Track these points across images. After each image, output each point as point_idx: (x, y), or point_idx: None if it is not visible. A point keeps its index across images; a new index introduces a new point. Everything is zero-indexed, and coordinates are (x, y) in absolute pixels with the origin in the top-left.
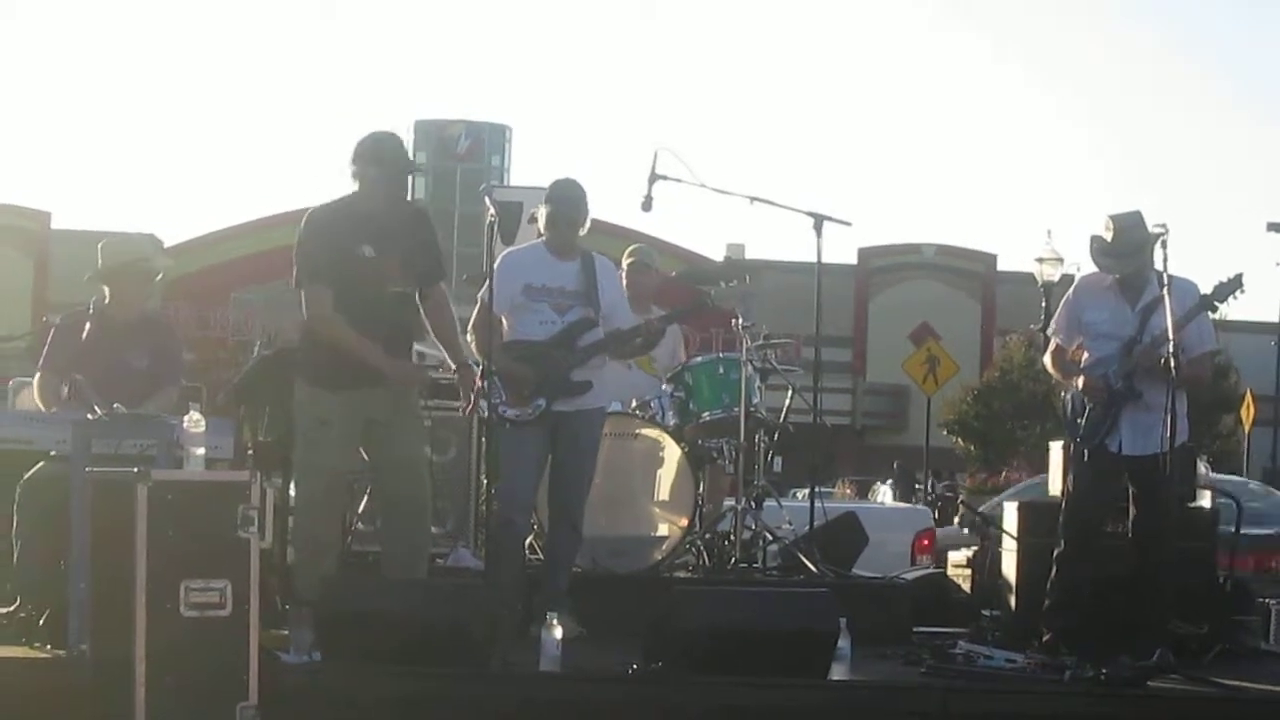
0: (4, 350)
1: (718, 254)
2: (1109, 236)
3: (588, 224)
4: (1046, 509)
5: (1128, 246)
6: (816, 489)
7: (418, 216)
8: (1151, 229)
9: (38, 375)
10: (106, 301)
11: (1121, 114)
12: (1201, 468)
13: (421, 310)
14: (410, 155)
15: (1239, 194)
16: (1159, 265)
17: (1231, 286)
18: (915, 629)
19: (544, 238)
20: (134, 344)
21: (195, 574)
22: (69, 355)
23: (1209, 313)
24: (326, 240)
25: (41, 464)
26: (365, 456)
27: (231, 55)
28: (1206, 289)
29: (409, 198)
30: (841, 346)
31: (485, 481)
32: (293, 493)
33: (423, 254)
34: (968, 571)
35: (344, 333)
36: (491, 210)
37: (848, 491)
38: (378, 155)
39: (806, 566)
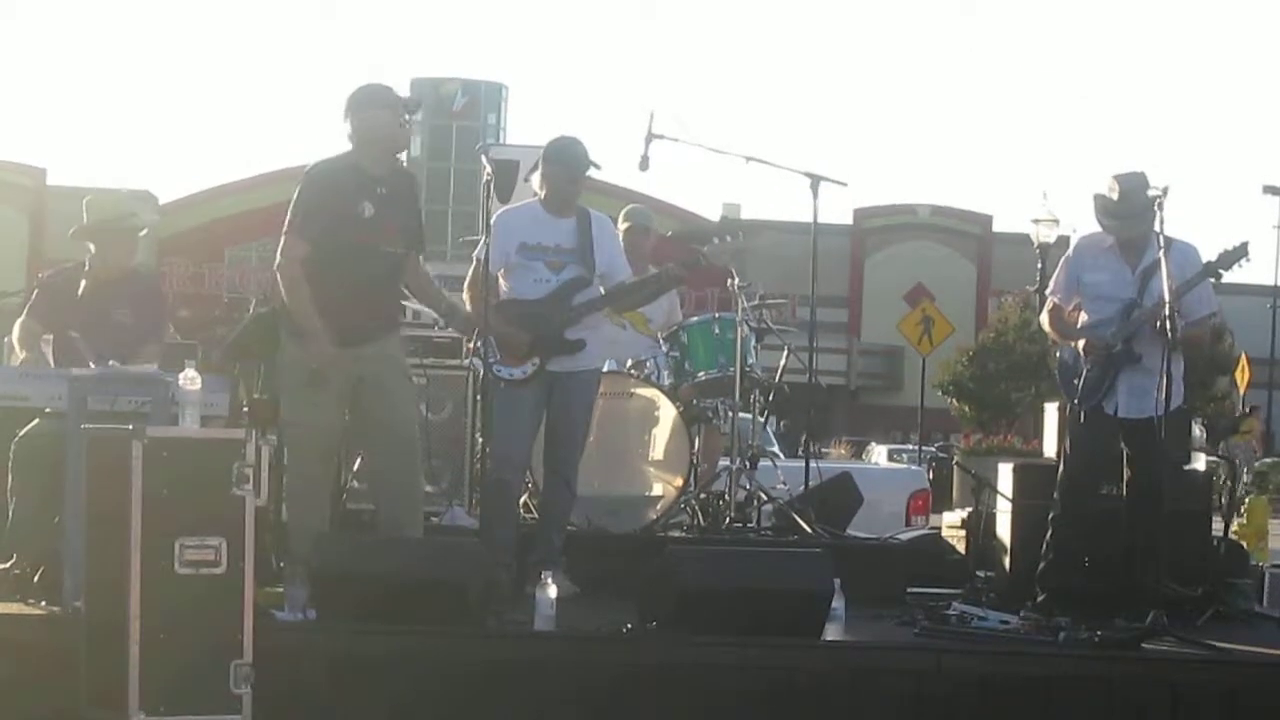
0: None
1: (714, 213)
2: (1114, 197)
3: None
4: (1041, 470)
5: (1134, 208)
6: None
7: (412, 183)
8: (1150, 190)
9: (20, 321)
10: (93, 257)
11: (1117, 76)
12: (1195, 430)
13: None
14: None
15: (1235, 156)
16: (1157, 227)
17: (1236, 255)
18: (909, 590)
19: (540, 196)
20: (119, 299)
21: (190, 531)
22: (55, 308)
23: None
24: (328, 195)
25: (37, 421)
26: (348, 416)
27: (228, 12)
28: (1206, 252)
29: (411, 148)
30: (837, 307)
31: (480, 441)
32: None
33: (414, 222)
34: (962, 533)
35: (301, 294)
36: (488, 169)
37: (842, 451)
38: (376, 99)
39: (801, 527)
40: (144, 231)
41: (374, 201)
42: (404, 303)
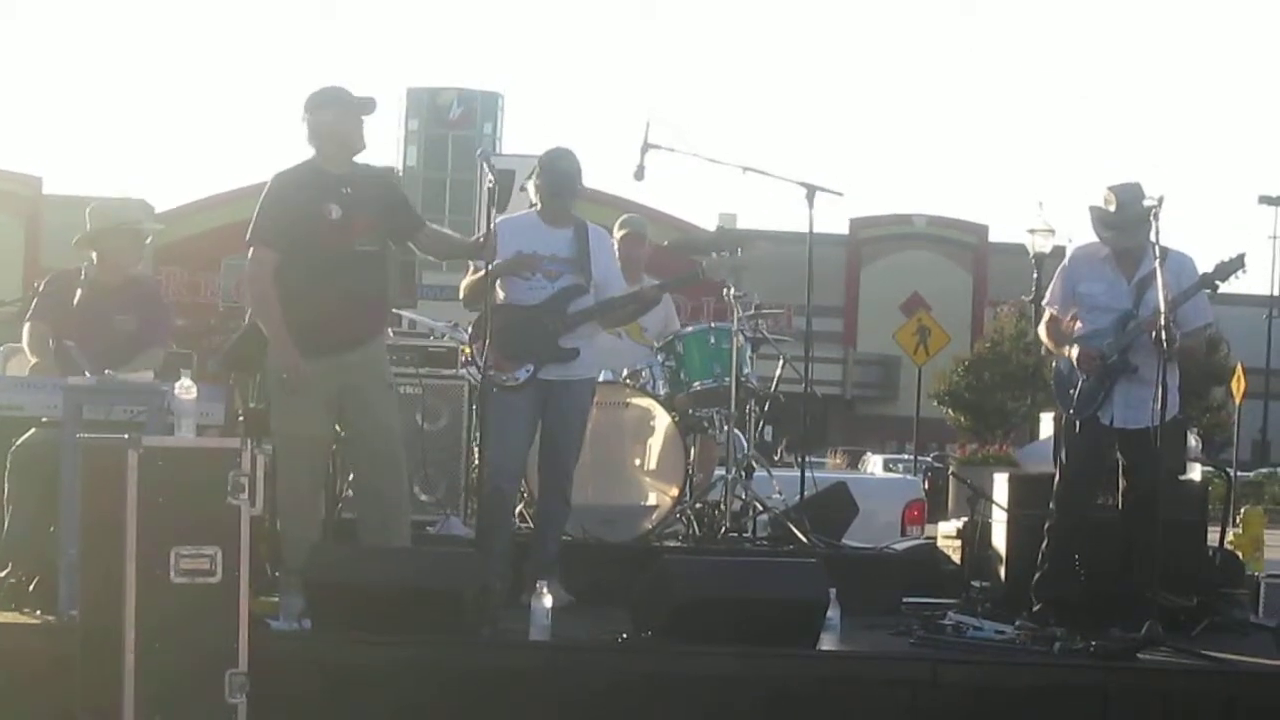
0: None
1: (709, 223)
2: (1111, 208)
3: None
4: (1036, 480)
5: (1130, 218)
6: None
7: (385, 178)
8: (1145, 201)
9: (27, 325)
10: (95, 264)
11: (1113, 86)
12: (1191, 440)
13: (422, 249)
14: (402, 122)
15: (1232, 167)
16: (1152, 237)
17: (1233, 266)
18: (905, 600)
19: (536, 206)
20: (121, 306)
21: (185, 540)
22: (58, 312)
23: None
24: (290, 202)
25: (33, 430)
26: (338, 426)
27: (224, 22)
28: (1202, 263)
29: (407, 157)
30: (832, 317)
31: (475, 450)
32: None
33: (394, 214)
34: (958, 542)
35: (269, 306)
36: (490, 176)
37: (838, 461)
38: (329, 98)
39: (796, 536)
40: (149, 239)
41: (340, 202)
42: (400, 312)
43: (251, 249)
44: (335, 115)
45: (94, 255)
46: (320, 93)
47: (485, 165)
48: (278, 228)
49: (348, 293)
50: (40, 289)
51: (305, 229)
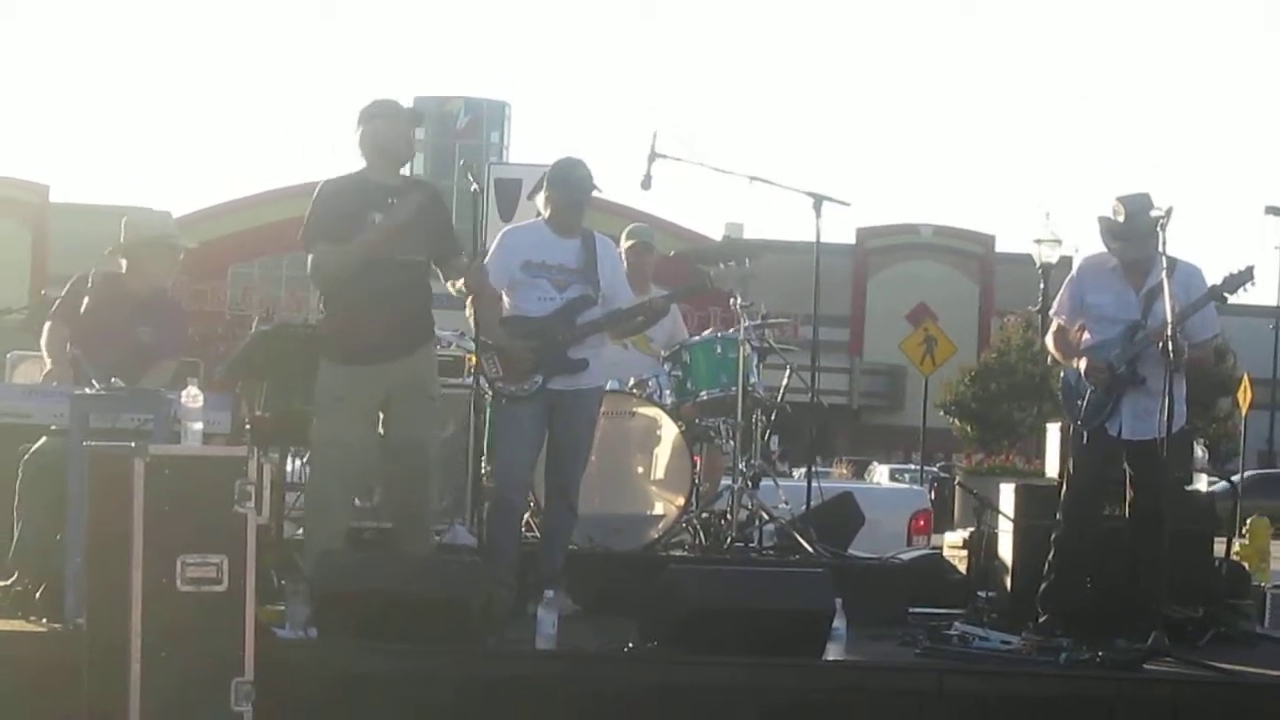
0: (3, 323)
1: (716, 233)
2: (1119, 219)
3: None
4: (1043, 491)
5: (1139, 229)
6: (813, 469)
7: (431, 195)
8: (1153, 212)
9: (48, 324)
10: (124, 273)
11: (1120, 95)
12: (1198, 451)
13: (445, 276)
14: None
15: (1237, 177)
16: (1160, 248)
17: (1242, 279)
18: (911, 610)
19: (544, 216)
20: (143, 319)
21: (192, 549)
22: (78, 315)
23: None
24: (335, 206)
25: (44, 439)
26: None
27: (232, 30)
28: (1209, 272)
29: (409, 170)
30: (839, 326)
31: (483, 459)
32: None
33: (436, 233)
34: (964, 553)
35: (344, 255)
36: (474, 185)
37: (844, 471)
38: (379, 110)
39: (802, 546)
40: (182, 255)
41: (384, 212)
42: None
43: (310, 253)
44: (383, 126)
45: (123, 263)
46: (372, 105)
47: (469, 175)
48: (327, 227)
49: (389, 301)
50: (67, 288)
51: (348, 234)
